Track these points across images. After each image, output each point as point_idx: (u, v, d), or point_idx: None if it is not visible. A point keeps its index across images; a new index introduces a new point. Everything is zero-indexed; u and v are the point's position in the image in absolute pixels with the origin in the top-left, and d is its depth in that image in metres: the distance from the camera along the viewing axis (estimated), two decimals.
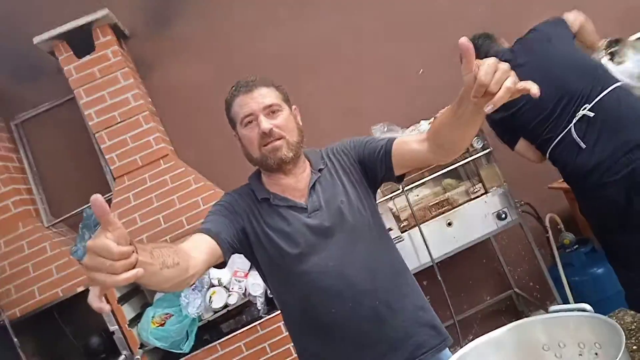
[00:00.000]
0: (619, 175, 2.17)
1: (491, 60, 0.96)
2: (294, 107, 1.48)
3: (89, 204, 2.92)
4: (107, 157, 3.01)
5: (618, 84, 2.28)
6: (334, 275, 1.36)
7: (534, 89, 0.96)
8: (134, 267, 0.86)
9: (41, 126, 3.35)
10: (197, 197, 2.95)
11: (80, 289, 2.85)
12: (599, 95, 2.23)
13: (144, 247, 0.98)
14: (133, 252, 0.86)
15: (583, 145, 2.23)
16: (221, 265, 1.35)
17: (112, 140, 2.99)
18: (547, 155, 2.41)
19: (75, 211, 3.19)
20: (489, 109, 0.96)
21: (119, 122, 2.99)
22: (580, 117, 2.24)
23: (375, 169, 1.44)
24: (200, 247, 1.26)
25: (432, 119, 3.11)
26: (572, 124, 2.25)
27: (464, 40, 0.95)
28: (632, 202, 2.17)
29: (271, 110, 1.38)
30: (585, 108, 2.23)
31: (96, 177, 3.27)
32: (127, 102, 3.00)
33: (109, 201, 3.04)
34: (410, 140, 1.38)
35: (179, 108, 3.39)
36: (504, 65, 0.96)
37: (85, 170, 3.34)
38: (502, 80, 0.95)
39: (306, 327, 1.43)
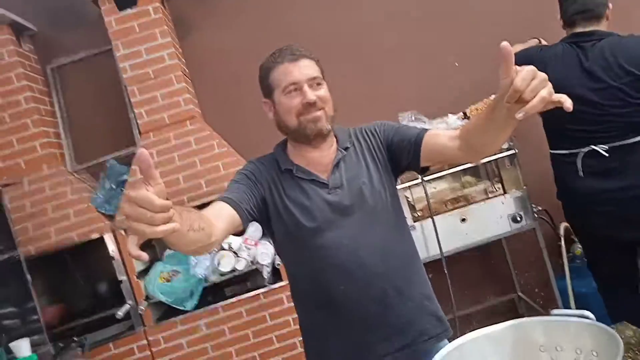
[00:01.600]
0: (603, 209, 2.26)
1: (530, 68, 0.96)
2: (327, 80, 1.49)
3: (114, 154, 2.98)
4: (136, 111, 3.05)
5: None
6: (347, 253, 1.38)
7: (567, 103, 0.98)
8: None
9: (76, 74, 3.40)
10: (218, 161, 2.99)
11: (95, 235, 2.92)
12: (620, 141, 2.20)
13: (174, 207, 1.01)
14: (171, 205, 0.89)
15: (581, 175, 2.27)
16: (240, 232, 1.39)
17: (142, 95, 3.03)
18: (550, 153, 2.45)
19: (99, 160, 3.25)
20: (520, 115, 0.97)
21: (152, 79, 3.02)
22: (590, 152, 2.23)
23: (402, 156, 1.45)
24: (222, 215, 1.30)
25: (461, 114, 3.10)
26: (582, 151, 2.25)
27: (505, 44, 0.96)
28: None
29: (315, 82, 1.41)
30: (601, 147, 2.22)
31: (123, 130, 3.31)
32: (162, 60, 3.03)
33: (132, 155, 3.10)
34: (441, 134, 1.39)
35: (211, 72, 3.42)
36: (542, 75, 0.96)
37: (113, 121, 3.39)
38: (538, 89, 0.95)
39: (313, 301, 1.46)
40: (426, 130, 1.43)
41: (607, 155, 2.20)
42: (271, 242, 1.58)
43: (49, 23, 3.33)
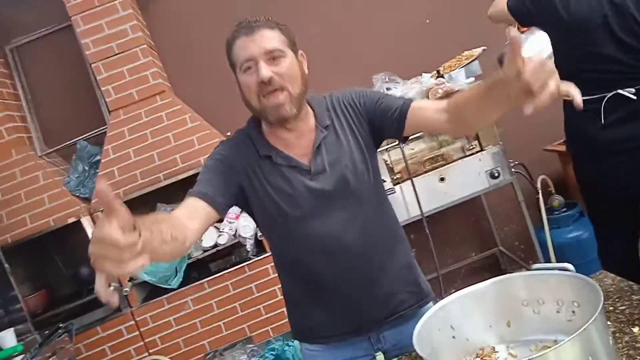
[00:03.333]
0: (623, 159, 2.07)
1: (539, 60, 0.94)
2: (300, 52, 1.36)
3: (84, 136, 2.90)
4: (103, 89, 2.96)
5: None
6: (331, 238, 1.36)
7: (577, 98, 0.97)
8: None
9: (37, 53, 3.28)
10: (192, 136, 2.93)
11: (72, 219, 2.86)
12: None
13: (143, 222, 0.96)
14: (138, 239, 0.85)
15: (603, 121, 2.05)
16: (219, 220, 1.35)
17: (108, 72, 2.93)
18: (564, 100, 2.10)
19: (70, 142, 3.17)
20: (529, 111, 0.94)
21: (116, 54, 2.93)
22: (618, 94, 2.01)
23: (384, 129, 1.39)
24: (197, 214, 1.25)
25: (434, 72, 3.08)
26: (606, 96, 2.03)
27: (515, 33, 0.93)
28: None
29: (272, 56, 1.27)
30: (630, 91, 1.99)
31: (92, 109, 3.23)
32: (125, 33, 2.93)
33: (103, 134, 3.02)
34: (427, 107, 1.34)
35: (178, 43, 3.32)
36: (550, 66, 0.94)
37: (81, 101, 3.30)
38: (546, 82, 0.93)
39: (298, 278, 1.46)
40: (410, 100, 1.36)
41: (635, 98, 1.99)
42: None
43: (4, 1, 3.19)
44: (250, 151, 1.38)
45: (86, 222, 2.86)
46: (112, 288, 2.73)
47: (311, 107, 1.40)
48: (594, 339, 0.88)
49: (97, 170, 2.92)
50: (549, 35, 2.19)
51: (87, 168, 3.01)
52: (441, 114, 1.29)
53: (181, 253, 1.17)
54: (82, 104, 3.29)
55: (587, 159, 2.23)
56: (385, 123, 1.37)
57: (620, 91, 2.00)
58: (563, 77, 2.27)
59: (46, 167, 2.99)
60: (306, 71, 1.36)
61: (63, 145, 3.19)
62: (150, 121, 2.94)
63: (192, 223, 1.22)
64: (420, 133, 2.92)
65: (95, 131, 3.17)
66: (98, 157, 2.99)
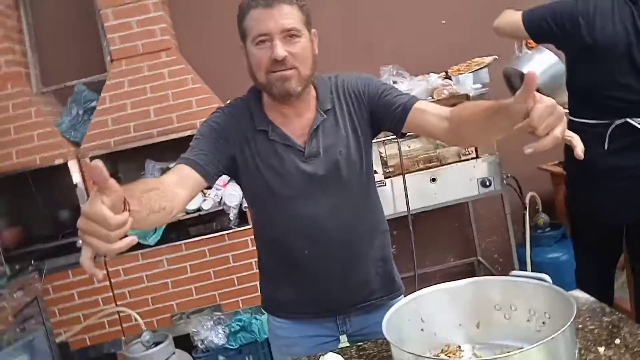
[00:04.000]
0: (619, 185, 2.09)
1: (550, 102, 0.93)
2: (313, 31, 1.32)
3: (83, 80, 2.85)
4: (108, 36, 2.91)
5: None
6: (315, 222, 1.35)
7: (578, 148, 0.98)
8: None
9: None
10: (191, 97, 2.90)
11: (59, 161, 2.83)
12: None
13: (133, 193, 0.98)
14: (128, 217, 0.85)
15: (606, 147, 2.05)
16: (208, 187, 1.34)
17: (117, 20, 2.88)
18: (570, 120, 2.13)
19: (67, 84, 3.12)
20: (528, 151, 0.96)
21: (127, 3, 2.87)
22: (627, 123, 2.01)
23: (384, 121, 1.37)
24: (186, 182, 1.25)
25: (443, 73, 3.07)
26: (616, 123, 2.03)
27: (532, 73, 0.93)
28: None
29: (289, 34, 1.24)
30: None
31: (94, 55, 3.18)
32: None
33: (102, 82, 2.98)
34: (430, 111, 1.31)
35: (191, 3, 3.28)
36: (559, 112, 0.94)
37: (84, 45, 3.24)
38: (553, 127, 0.93)
39: (274, 255, 1.46)
40: (414, 99, 1.34)
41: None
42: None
43: None
44: (247, 122, 1.36)
45: (73, 166, 2.83)
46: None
47: (315, 88, 1.37)
48: (561, 350, 0.89)
49: (91, 116, 2.89)
50: (568, 56, 2.19)
51: (81, 112, 2.97)
52: (442, 121, 1.28)
53: (167, 221, 1.19)
54: (85, 48, 3.24)
55: (583, 182, 2.22)
56: (386, 116, 1.35)
57: (629, 120, 2.00)
58: (576, 97, 2.28)
59: (40, 105, 2.95)
60: (316, 51, 1.33)
61: (60, 86, 3.15)
62: (151, 76, 2.90)
63: (181, 191, 1.22)
64: None
65: (94, 77, 3.13)
66: (94, 104, 2.95)
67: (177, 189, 1.21)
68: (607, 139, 2.04)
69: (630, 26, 1.95)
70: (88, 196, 2.77)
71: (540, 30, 2.15)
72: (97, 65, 3.16)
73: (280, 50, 1.23)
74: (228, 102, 1.47)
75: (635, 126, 1.99)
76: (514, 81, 2.49)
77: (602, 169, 2.07)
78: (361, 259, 1.42)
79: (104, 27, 2.93)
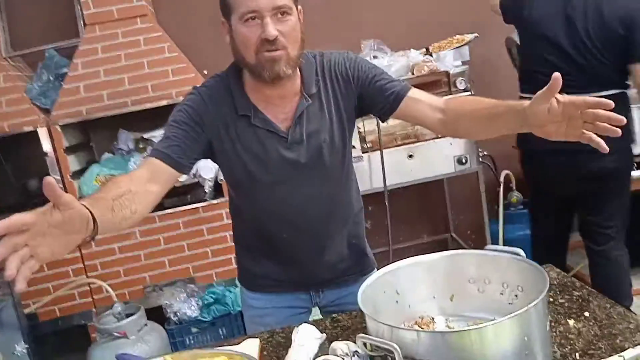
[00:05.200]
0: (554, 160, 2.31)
1: (579, 101, 0.97)
2: (299, 7, 1.24)
3: (54, 45, 2.75)
4: (81, 0, 2.81)
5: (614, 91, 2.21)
6: (295, 207, 1.34)
7: (601, 145, 0.99)
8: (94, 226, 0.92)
9: None
10: (167, 66, 2.83)
11: (28, 128, 2.75)
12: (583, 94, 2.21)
13: (105, 203, 1.00)
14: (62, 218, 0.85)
15: None
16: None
17: None
18: (519, 96, 2.37)
19: (38, 49, 3.01)
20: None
21: None
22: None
23: (374, 107, 1.33)
24: (158, 177, 1.22)
25: (423, 49, 3.05)
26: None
27: (557, 75, 0.95)
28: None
29: (280, 12, 1.17)
30: None
31: (67, 20, 3.08)
32: None
33: (74, 48, 2.88)
34: (423, 100, 1.29)
35: None
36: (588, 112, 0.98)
37: (56, 9, 3.13)
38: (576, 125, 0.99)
39: (250, 232, 1.45)
40: (407, 87, 1.31)
41: None
42: None
43: None
44: (227, 106, 1.29)
45: (43, 134, 2.75)
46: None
47: (300, 70, 1.30)
48: (534, 321, 0.90)
49: (62, 83, 2.80)
50: (518, 34, 2.46)
51: (52, 79, 2.87)
52: (436, 112, 1.27)
53: (139, 222, 1.20)
54: (58, 12, 3.13)
55: (527, 157, 2.53)
56: (376, 102, 1.32)
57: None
58: (520, 73, 2.59)
59: (9, 70, 2.85)
60: (303, 30, 1.25)
61: (30, 50, 3.04)
62: (126, 43, 2.82)
63: (153, 187, 1.20)
64: None
65: (66, 42, 3.03)
66: (65, 70, 2.86)
67: (149, 185, 1.18)
68: None
69: (560, 10, 2.20)
70: (59, 165, 2.73)
71: (503, 9, 2.44)
72: (70, 30, 3.05)
73: (272, 29, 1.16)
74: (205, 80, 1.38)
75: None
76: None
77: (539, 144, 2.19)
78: (337, 238, 1.42)
79: None
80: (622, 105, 2.22)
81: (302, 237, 1.38)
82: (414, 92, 1.30)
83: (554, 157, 2.24)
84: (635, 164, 2.50)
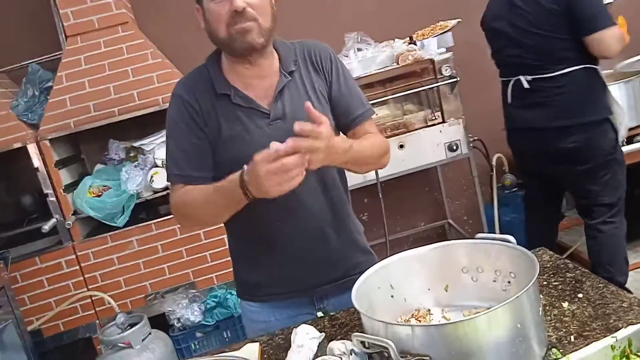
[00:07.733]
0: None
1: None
2: None
3: (37, 59, 2.72)
4: (61, 12, 2.79)
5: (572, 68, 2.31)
6: (287, 193, 1.30)
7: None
8: None
9: None
10: (152, 73, 2.82)
11: (17, 145, 2.73)
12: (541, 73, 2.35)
13: None
14: None
15: (509, 101, 2.50)
16: None
17: None
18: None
19: (21, 64, 3.00)
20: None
21: None
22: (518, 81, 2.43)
23: (334, 115, 1.37)
24: None
25: (407, 38, 3.05)
26: (511, 79, 2.46)
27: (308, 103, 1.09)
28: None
29: None
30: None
31: (48, 32, 3.06)
32: None
33: (57, 60, 2.86)
34: (368, 132, 1.38)
35: None
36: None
37: (37, 22, 3.11)
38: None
39: (247, 233, 1.41)
40: (368, 113, 1.39)
41: (528, 87, 2.37)
42: None
43: None
44: (207, 88, 1.32)
45: (32, 150, 2.73)
46: (54, 221, 2.65)
47: (277, 50, 1.34)
48: (525, 307, 0.90)
49: (48, 97, 2.78)
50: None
51: (37, 93, 2.86)
52: None
53: None
54: (38, 25, 3.11)
55: (508, 135, 2.66)
56: (336, 114, 1.37)
57: (520, 77, 2.40)
58: (494, 61, 2.70)
59: None
60: (275, 7, 1.29)
61: (13, 66, 3.02)
62: (109, 52, 2.80)
63: None
64: (386, 98, 2.93)
65: (49, 56, 3.00)
66: (50, 84, 2.84)
67: None
68: (509, 95, 2.48)
69: (506, 3, 2.40)
70: (50, 180, 2.72)
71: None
72: (52, 44, 3.03)
73: (240, 1, 1.19)
74: (182, 77, 1.41)
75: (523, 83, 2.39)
76: None
77: (510, 121, 2.57)
78: (338, 230, 1.39)
79: (56, 2, 2.80)
80: (589, 80, 2.29)
81: (300, 226, 1.35)
82: (370, 125, 1.39)
83: (526, 133, 2.47)
84: (625, 139, 2.51)
